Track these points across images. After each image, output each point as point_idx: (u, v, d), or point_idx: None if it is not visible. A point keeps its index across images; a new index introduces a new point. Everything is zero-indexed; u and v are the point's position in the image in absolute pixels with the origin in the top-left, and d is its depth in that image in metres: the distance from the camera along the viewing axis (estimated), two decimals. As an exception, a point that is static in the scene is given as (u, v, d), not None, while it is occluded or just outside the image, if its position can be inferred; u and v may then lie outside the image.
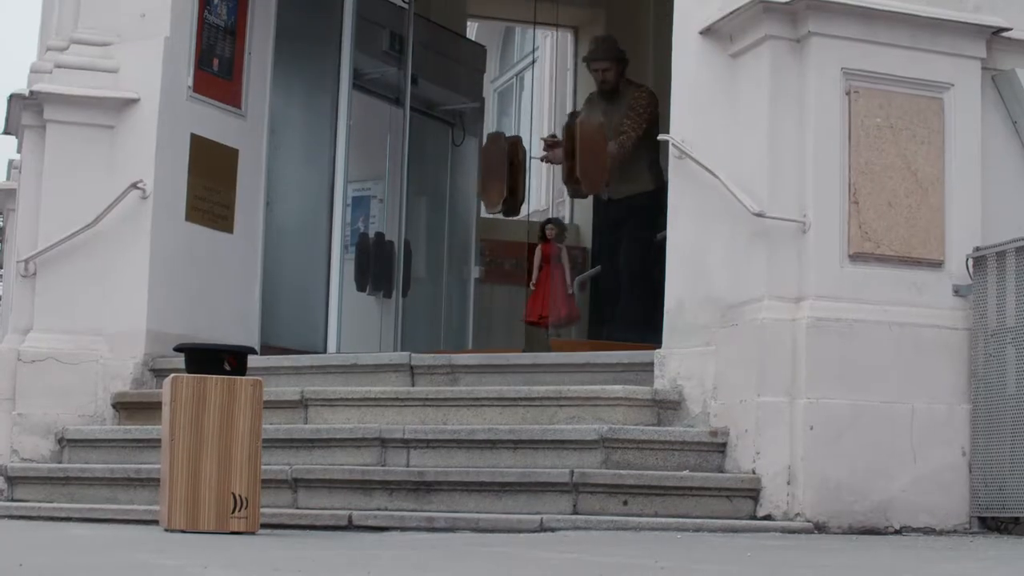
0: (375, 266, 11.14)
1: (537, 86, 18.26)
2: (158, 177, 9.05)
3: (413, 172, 11.19)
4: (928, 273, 7.53)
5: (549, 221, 10.90)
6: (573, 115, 11.05)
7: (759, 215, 7.41)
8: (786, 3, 7.49)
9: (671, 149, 7.88)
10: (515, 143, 10.95)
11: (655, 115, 10.10)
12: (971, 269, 7.51)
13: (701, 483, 7.31)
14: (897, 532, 7.22)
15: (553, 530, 6.94)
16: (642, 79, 13.39)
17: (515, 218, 11.56)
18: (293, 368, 8.82)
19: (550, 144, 10.59)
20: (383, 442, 7.76)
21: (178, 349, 7.59)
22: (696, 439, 7.52)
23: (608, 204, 10.53)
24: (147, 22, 9.19)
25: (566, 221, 15.34)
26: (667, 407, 7.74)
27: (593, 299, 12.94)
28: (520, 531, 6.93)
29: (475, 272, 11.88)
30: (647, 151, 10.14)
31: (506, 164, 10.73)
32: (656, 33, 12.26)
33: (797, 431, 7.21)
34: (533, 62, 18.56)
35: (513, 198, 10.89)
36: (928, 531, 7.26)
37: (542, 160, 10.85)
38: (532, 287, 10.48)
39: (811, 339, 7.26)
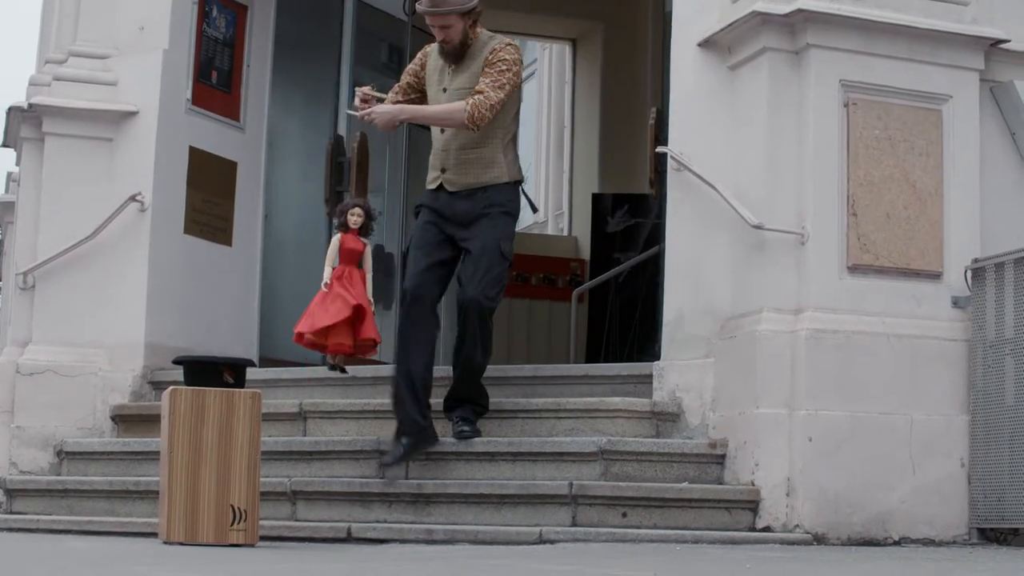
0: (374, 278, 11.11)
1: (536, 98, 18.29)
2: (156, 190, 9.05)
3: (412, 184, 11.18)
4: (927, 285, 7.53)
5: (356, 205, 8.03)
6: (660, 112, 8.79)
7: (758, 227, 7.41)
8: (784, 15, 7.50)
9: (669, 161, 7.88)
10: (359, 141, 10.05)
11: (518, 78, 7.72)
12: (969, 281, 7.51)
13: (700, 495, 7.31)
14: (896, 543, 7.21)
15: (552, 542, 6.93)
16: (641, 90, 13.45)
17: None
18: (292, 380, 8.82)
19: (364, 99, 7.72)
20: (382, 454, 7.75)
21: (177, 362, 7.60)
22: (695, 451, 7.52)
23: (439, 194, 7.72)
24: (146, 35, 9.20)
25: (564, 232, 15.38)
26: (666, 419, 7.74)
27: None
28: (519, 543, 6.93)
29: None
30: (501, 128, 7.65)
31: (330, 164, 10.04)
32: (655, 45, 12.29)
33: (796, 443, 7.21)
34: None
35: (341, 198, 9.81)
36: (927, 542, 7.26)
37: (359, 116, 7.77)
38: (325, 287, 7.81)
39: (810, 351, 7.26)
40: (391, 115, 7.71)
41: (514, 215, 7.77)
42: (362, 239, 7.95)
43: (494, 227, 7.59)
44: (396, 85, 7.94)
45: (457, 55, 7.66)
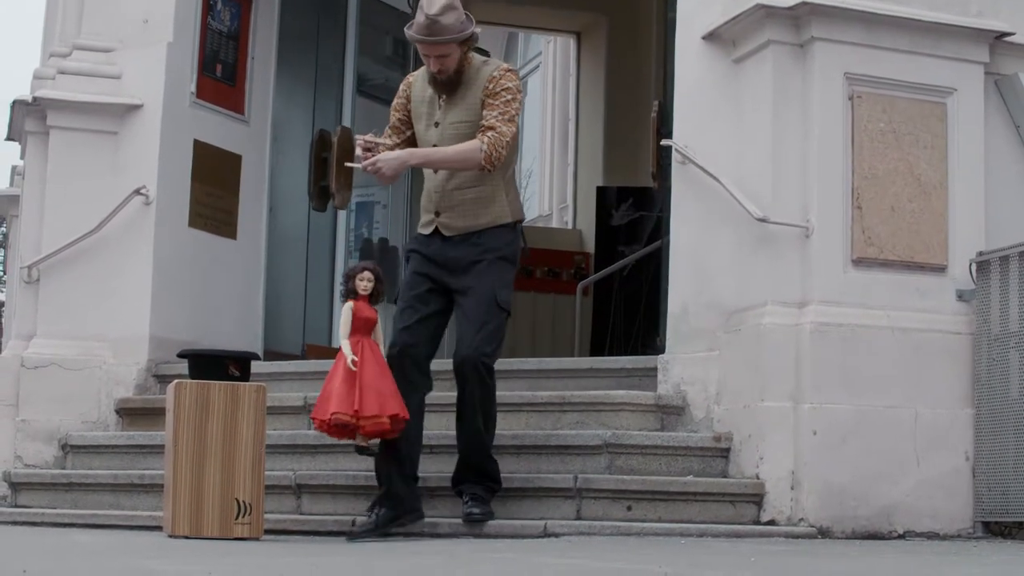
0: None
1: (540, 91, 18.28)
2: (161, 183, 9.05)
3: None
4: (931, 278, 7.53)
5: (364, 268, 7.05)
6: (663, 105, 8.42)
7: (762, 220, 7.41)
8: (789, 8, 7.49)
9: (674, 154, 7.88)
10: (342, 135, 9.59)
11: (520, 107, 6.99)
12: (974, 274, 7.51)
13: (705, 488, 7.30)
14: (901, 537, 7.21)
15: (557, 535, 6.93)
16: (645, 84, 13.44)
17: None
18: (296, 374, 8.81)
19: (366, 147, 6.90)
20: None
21: (182, 355, 7.61)
22: (700, 444, 7.52)
23: (432, 240, 7.03)
24: (150, 28, 9.20)
25: (568, 225, 15.37)
26: (671, 412, 7.74)
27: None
28: (524, 537, 6.92)
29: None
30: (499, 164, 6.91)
31: (312, 159, 9.71)
32: (658, 38, 12.28)
33: (800, 436, 7.20)
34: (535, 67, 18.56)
35: (326, 193, 9.67)
36: (932, 536, 7.26)
37: (363, 167, 6.90)
38: (353, 365, 6.77)
39: (814, 344, 7.25)
40: (400, 161, 6.87)
41: (512, 260, 7.00)
42: (374, 307, 7.02)
43: (489, 275, 6.87)
44: (388, 127, 7.15)
45: (452, 85, 6.87)
